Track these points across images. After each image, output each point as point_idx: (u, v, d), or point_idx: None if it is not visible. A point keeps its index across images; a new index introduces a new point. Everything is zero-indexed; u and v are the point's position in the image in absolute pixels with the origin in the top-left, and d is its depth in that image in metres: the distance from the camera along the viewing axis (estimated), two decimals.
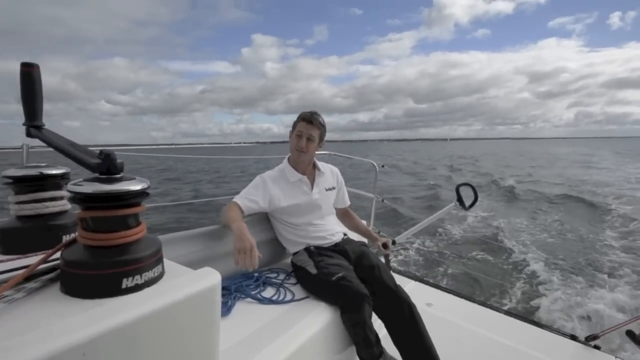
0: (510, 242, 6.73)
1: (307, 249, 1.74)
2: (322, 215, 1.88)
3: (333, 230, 1.87)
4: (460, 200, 2.32)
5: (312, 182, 1.87)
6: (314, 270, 1.59)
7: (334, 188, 1.98)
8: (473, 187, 2.34)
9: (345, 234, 1.93)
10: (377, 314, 1.55)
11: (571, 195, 11.33)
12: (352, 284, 1.46)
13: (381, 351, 1.46)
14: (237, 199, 1.70)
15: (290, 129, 1.82)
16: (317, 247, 1.75)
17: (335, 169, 2.06)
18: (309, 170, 1.89)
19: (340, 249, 1.78)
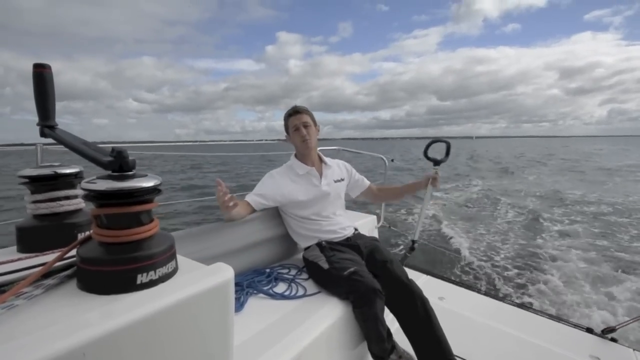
0: (529, 232, 6.65)
1: (319, 244, 1.74)
2: (332, 207, 1.88)
3: (344, 224, 1.86)
4: (429, 157, 2.15)
5: (320, 174, 1.88)
6: (325, 265, 1.59)
7: (342, 179, 1.99)
8: (446, 142, 2.19)
9: (356, 229, 1.93)
10: (389, 308, 1.54)
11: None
12: (364, 278, 1.45)
13: (393, 346, 1.45)
14: (247, 196, 1.73)
15: (285, 133, 1.88)
16: (329, 242, 1.75)
17: (342, 162, 2.07)
18: (317, 163, 1.91)
19: (352, 243, 1.77)
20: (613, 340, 1.91)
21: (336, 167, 1.99)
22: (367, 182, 2.12)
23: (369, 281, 1.45)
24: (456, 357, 1.68)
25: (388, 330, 1.45)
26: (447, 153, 2.14)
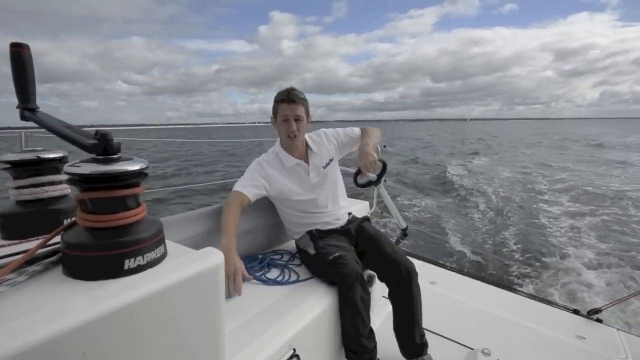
0: (518, 215, 6.75)
1: (310, 232, 1.72)
2: (327, 197, 1.76)
3: (337, 214, 1.78)
4: (360, 184, 1.95)
5: (308, 164, 1.73)
6: (312, 251, 1.59)
7: (331, 160, 1.80)
8: (382, 162, 1.92)
9: (350, 213, 1.88)
10: (382, 280, 1.56)
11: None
12: (347, 262, 1.43)
13: (370, 349, 1.38)
14: (240, 187, 1.58)
15: (271, 115, 1.69)
16: (320, 231, 1.72)
17: (324, 132, 1.84)
18: (303, 152, 1.75)
19: (344, 229, 1.74)
20: (598, 320, 1.97)
21: (324, 149, 1.78)
22: (357, 132, 1.85)
23: (351, 265, 1.42)
24: (447, 339, 1.72)
25: (370, 329, 1.40)
26: (382, 174, 1.92)
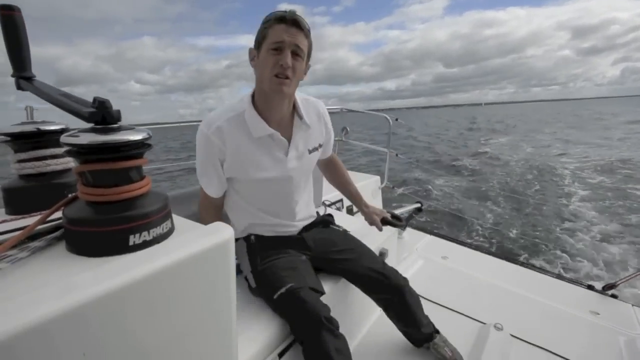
0: (534, 188, 6.66)
1: (247, 239, 1.24)
2: (294, 195, 1.24)
3: (299, 216, 1.29)
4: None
5: (289, 137, 1.17)
6: (252, 283, 1.14)
7: (320, 146, 1.28)
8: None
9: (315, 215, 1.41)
10: (367, 293, 1.26)
11: None
12: (306, 303, 0.99)
13: None
14: (205, 185, 1.17)
15: (252, 47, 1.08)
16: (260, 238, 1.23)
17: (321, 107, 1.27)
18: (287, 119, 1.16)
19: (297, 237, 1.28)
20: (613, 296, 1.94)
21: (316, 127, 1.24)
22: (329, 151, 1.43)
23: (311, 306, 0.98)
24: (459, 314, 1.70)
25: None
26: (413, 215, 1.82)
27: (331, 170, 1.52)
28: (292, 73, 1.02)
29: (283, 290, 1.02)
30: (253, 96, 1.12)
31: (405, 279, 1.26)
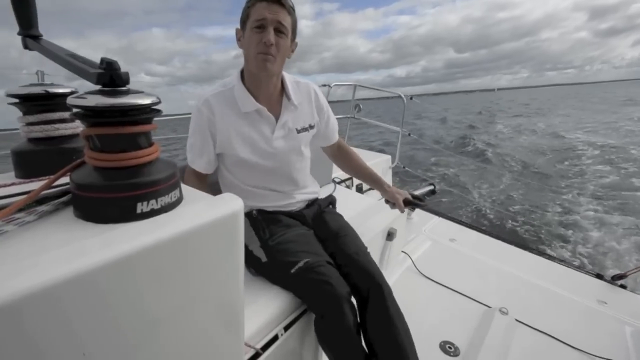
0: (545, 180, 6.55)
1: (249, 214, 1.22)
2: (283, 174, 1.25)
3: (296, 194, 1.30)
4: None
5: (277, 116, 1.20)
6: (263, 257, 1.12)
7: (312, 127, 1.28)
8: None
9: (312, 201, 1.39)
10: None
11: None
12: (328, 277, 1.00)
13: None
14: (190, 159, 1.19)
15: (237, 27, 1.13)
16: (263, 212, 1.23)
17: (313, 88, 1.29)
18: (275, 96, 1.20)
19: (298, 213, 1.29)
20: (622, 287, 1.92)
21: (306, 108, 1.26)
22: (334, 137, 1.43)
23: (335, 281, 1.00)
24: (465, 296, 1.71)
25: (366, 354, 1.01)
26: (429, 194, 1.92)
27: (342, 158, 1.51)
28: (276, 50, 1.06)
29: (301, 264, 1.03)
30: (242, 73, 1.18)
31: (388, 285, 1.11)
